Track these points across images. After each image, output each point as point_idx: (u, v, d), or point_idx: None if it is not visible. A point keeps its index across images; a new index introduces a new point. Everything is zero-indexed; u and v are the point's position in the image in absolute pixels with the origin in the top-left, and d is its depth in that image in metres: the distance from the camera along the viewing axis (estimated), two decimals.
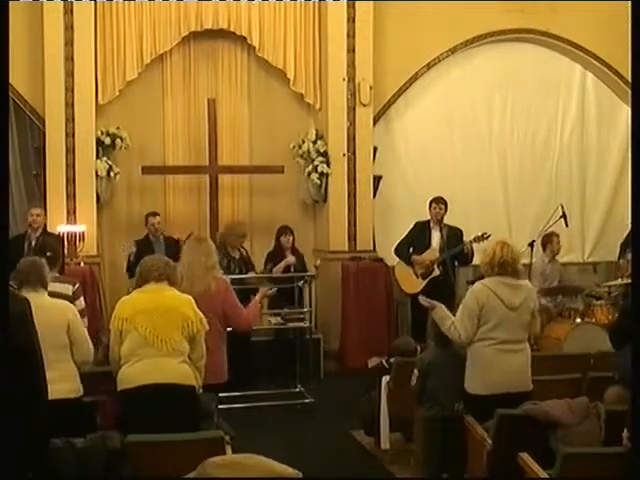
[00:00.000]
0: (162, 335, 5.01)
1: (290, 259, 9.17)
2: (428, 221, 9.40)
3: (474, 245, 9.07)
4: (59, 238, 8.74)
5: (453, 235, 9.29)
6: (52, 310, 5.16)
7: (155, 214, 9.56)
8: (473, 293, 5.45)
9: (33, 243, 8.70)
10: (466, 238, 9.25)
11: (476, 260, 9.30)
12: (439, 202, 9.37)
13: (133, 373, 5.02)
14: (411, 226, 9.51)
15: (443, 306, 5.64)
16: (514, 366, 5.40)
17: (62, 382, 5.00)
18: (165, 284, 5.19)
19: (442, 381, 5.61)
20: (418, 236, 9.38)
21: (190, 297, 5.27)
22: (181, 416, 4.90)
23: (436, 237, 9.32)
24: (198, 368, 5.19)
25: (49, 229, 9.29)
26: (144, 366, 5.00)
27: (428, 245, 9.31)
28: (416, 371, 5.78)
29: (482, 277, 8.38)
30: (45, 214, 9.29)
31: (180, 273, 5.57)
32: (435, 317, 5.59)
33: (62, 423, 4.54)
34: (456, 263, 9.39)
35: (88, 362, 5.33)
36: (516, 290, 5.44)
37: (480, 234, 9.00)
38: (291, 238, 9.42)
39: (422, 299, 5.78)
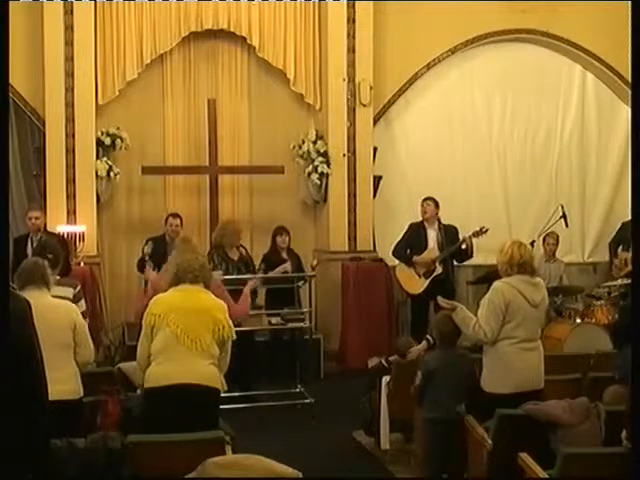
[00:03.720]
0: (193, 335, 5.02)
1: (286, 266, 9.11)
2: (422, 221, 9.42)
3: (473, 240, 9.09)
4: (60, 239, 8.70)
5: (449, 233, 9.30)
6: (57, 310, 5.18)
7: (176, 216, 9.39)
8: (498, 291, 5.45)
9: (35, 245, 8.69)
10: (462, 236, 9.25)
11: (476, 256, 9.36)
12: (428, 200, 9.41)
13: (161, 372, 5.02)
14: (405, 228, 9.51)
15: (463, 306, 5.66)
16: (532, 364, 5.46)
17: (64, 383, 5.01)
18: (201, 286, 5.21)
19: (445, 383, 5.60)
20: (414, 237, 9.38)
21: (223, 303, 5.30)
22: (204, 417, 4.89)
23: (433, 236, 9.33)
24: (222, 374, 5.22)
25: (49, 229, 9.28)
26: (173, 365, 5.01)
27: (425, 245, 9.31)
28: (419, 373, 5.77)
29: (483, 277, 8.42)
30: (45, 215, 9.27)
31: (171, 273, 5.58)
32: (456, 318, 5.58)
33: (61, 424, 4.54)
34: (454, 262, 9.39)
35: (89, 363, 5.35)
36: (536, 287, 5.53)
37: (478, 229, 9.06)
38: (287, 238, 9.39)
39: (441, 300, 5.80)
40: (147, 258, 8.80)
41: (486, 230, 8.98)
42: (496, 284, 5.52)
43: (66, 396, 4.98)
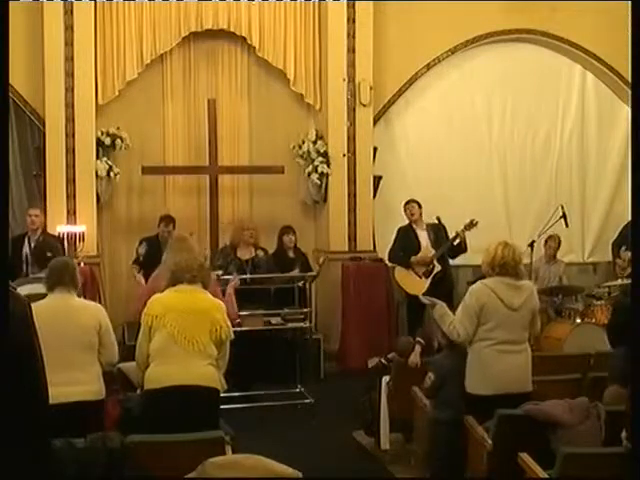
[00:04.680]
0: (189, 336, 5.02)
1: (294, 273, 9.11)
2: (409, 224, 9.43)
3: (466, 233, 9.12)
4: (59, 239, 8.72)
5: (439, 231, 9.36)
6: (84, 311, 5.21)
7: (169, 220, 9.41)
8: (473, 293, 5.44)
9: (33, 244, 8.70)
10: (451, 234, 9.25)
11: (476, 255, 9.34)
12: (412, 202, 9.46)
13: (160, 373, 5.03)
14: (395, 233, 9.51)
15: (444, 304, 5.65)
16: (514, 366, 5.39)
17: (89, 384, 5.08)
18: (199, 286, 5.21)
19: (454, 384, 5.60)
20: (406, 240, 9.39)
21: (221, 302, 5.32)
22: (204, 418, 4.90)
23: (424, 236, 9.35)
24: (222, 373, 5.22)
25: (49, 229, 9.29)
26: (171, 367, 5.02)
27: (418, 246, 9.32)
28: (432, 375, 5.76)
29: (482, 277, 8.40)
30: (45, 214, 9.29)
31: (165, 273, 5.60)
32: (435, 315, 5.59)
33: (85, 423, 4.60)
34: (450, 261, 9.41)
35: (113, 364, 5.38)
36: (517, 290, 5.43)
37: (469, 221, 9.09)
38: (293, 237, 9.44)
39: (422, 298, 5.80)
40: (141, 258, 8.88)
41: (476, 222, 9.02)
42: (474, 285, 5.52)
43: (90, 397, 5.05)
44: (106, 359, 5.24)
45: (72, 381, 4.87)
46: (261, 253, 8.76)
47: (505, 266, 5.40)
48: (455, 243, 9.19)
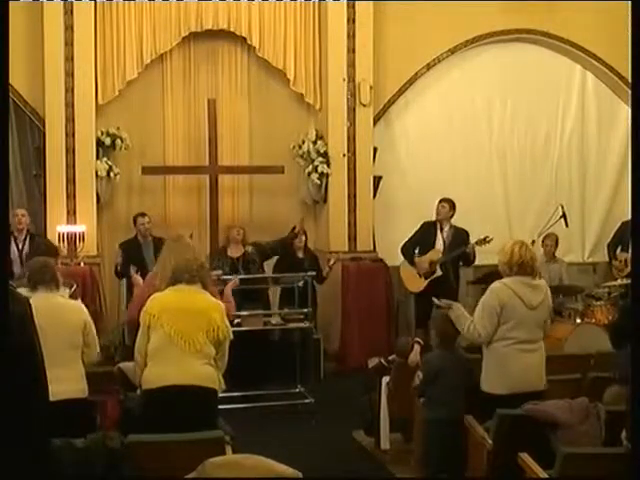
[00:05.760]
0: (185, 336, 5.02)
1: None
2: (435, 221, 9.42)
3: (476, 248, 9.09)
4: (50, 241, 8.71)
5: (459, 236, 9.30)
6: (68, 310, 5.24)
7: (144, 215, 9.45)
8: (494, 292, 5.45)
9: (20, 245, 8.70)
10: (471, 240, 9.25)
11: (478, 261, 9.36)
12: (443, 202, 9.42)
13: (157, 373, 5.04)
14: (418, 226, 9.52)
15: (459, 305, 5.66)
16: (530, 365, 5.43)
17: (74, 382, 5.10)
18: (198, 286, 5.21)
19: (446, 383, 5.61)
20: (424, 236, 9.39)
21: (220, 302, 5.32)
22: (201, 417, 4.90)
23: (441, 238, 9.35)
24: (221, 373, 5.22)
25: (49, 229, 9.30)
26: (168, 367, 5.02)
27: (433, 245, 9.32)
28: (420, 373, 5.77)
29: (483, 277, 8.43)
30: (45, 214, 9.27)
31: (159, 273, 5.61)
32: (452, 316, 5.60)
33: (71, 422, 4.61)
34: (460, 263, 9.40)
35: (94, 362, 5.40)
36: (535, 289, 5.47)
37: (482, 237, 9.03)
38: (303, 238, 9.43)
39: (437, 301, 5.81)
40: (119, 268, 8.90)
41: (490, 240, 8.95)
42: (493, 285, 5.52)
43: (78, 395, 5.09)
44: (89, 358, 5.28)
45: (58, 379, 4.86)
46: (250, 248, 8.80)
47: (523, 265, 5.43)
48: (467, 251, 9.14)
